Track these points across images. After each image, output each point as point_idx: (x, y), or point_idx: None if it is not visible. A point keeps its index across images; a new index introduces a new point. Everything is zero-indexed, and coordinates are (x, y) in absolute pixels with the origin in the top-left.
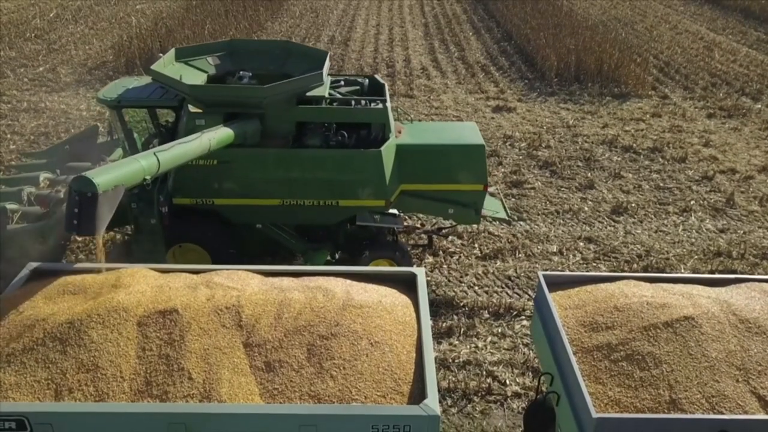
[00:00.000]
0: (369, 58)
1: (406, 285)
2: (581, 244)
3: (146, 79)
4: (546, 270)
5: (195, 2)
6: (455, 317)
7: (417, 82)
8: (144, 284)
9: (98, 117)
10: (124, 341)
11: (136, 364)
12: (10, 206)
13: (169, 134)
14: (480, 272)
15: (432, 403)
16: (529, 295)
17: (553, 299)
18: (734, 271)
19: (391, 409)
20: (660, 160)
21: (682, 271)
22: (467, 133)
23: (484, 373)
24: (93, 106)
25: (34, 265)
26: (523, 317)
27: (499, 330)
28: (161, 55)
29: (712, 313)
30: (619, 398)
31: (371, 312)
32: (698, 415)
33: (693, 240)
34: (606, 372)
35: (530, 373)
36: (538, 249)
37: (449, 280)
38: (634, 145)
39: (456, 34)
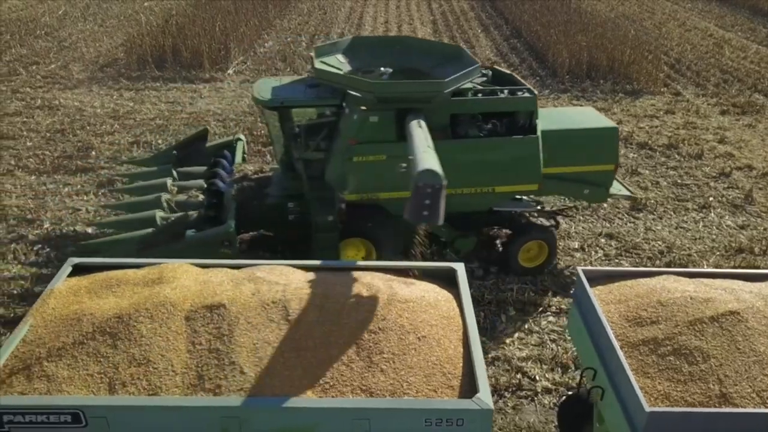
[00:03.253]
0: None
1: (445, 280)
2: (602, 240)
3: (287, 79)
4: (582, 266)
5: (203, 0)
6: (481, 313)
7: None
8: (187, 279)
9: (113, 114)
10: (173, 335)
11: (187, 359)
12: (160, 214)
13: (305, 134)
14: (502, 270)
15: (485, 396)
16: (553, 291)
17: (595, 294)
18: (757, 267)
19: (445, 403)
20: (676, 156)
21: (705, 267)
22: (594, 116)
23: (514, 369)
24: (107, 103)
25: (75, 260)
26: (549, 313)
27: (526, 326)
28: (311, 54)
29: (756, 307)
30: (668, 392)
31: (416, 307)
32: (751, 410)
33: (714, 236)
34: (654, 366)
35: (559, 369)
36: (559, 245)
37: (473, 277)
38: (649, 141)
39: (465, 31)
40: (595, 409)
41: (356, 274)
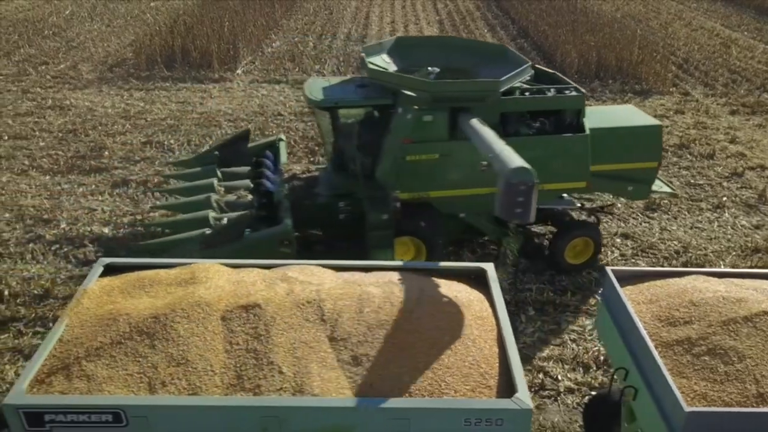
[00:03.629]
0: None
1: (475, 280)
2: (618, 240)
3: (334, 79)
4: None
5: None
6: None
7: None
8: (220, 279)
9: (124, 114)
10: (210, 335)
11: (225, 358)
12: (212, 214)
13: (358, 134)
14: (521, 269)
15: (524, 396)
16: (572, 290)
17: (627, 294)
18: None
19: (484, 403)
20: (688, 156)
21: (722, 267)
22: (637, 114)
23: (535, 368)
24: (117, 103)
25: (106, 260)
26: (568, 313)
27: (546, 326)
28: (363, 54)
29: None
30: (705, 392)
31: (450, 307)
32: None
33: (729, 236)
34: (689, 366)
35: (581, 369)
36: None
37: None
38: None
39: (471, 30)
40: (623, 409)
41: (388, 274)
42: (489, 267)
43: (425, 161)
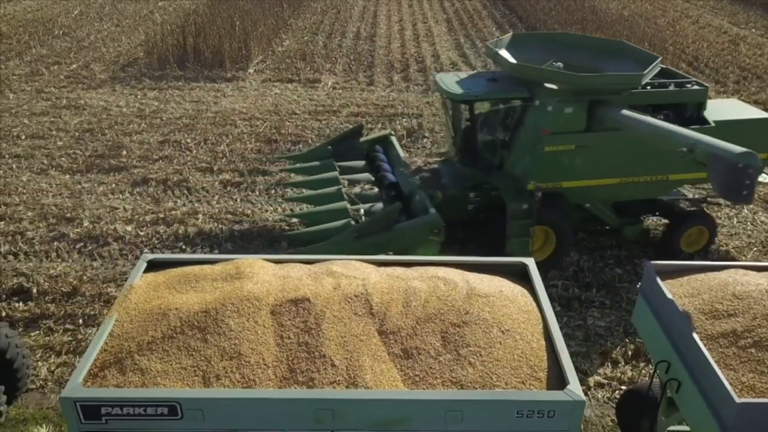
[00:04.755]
0: (397, 53)
1: (517, 275)
2: None
3: (462, 74)
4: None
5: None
6: None
7: None
8: (266, 274)
9: (139, 113)
10: (261, 329)
11: (277, 352)
12: (349, 206)
13: (494, 126)
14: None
15: (576, 388)
16: (596, 287)
17: (668, 288)
18: None
19: (537, 395)
20: None
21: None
22: (746, 107)
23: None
24: (132, 102)
25: (150, 256)
26: (594, 308)
27: (572, 322)
28: (497, 50)
29: None
30: (753, 384)
31: (496, 301)
32: None
33: (749, 232)
34: (735, 358)
35: (609, 364)
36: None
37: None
38: None
39: (480, 29)
40: (662, 402)
41: (431, 269)
42: (530, 262)
43: (561, 152)
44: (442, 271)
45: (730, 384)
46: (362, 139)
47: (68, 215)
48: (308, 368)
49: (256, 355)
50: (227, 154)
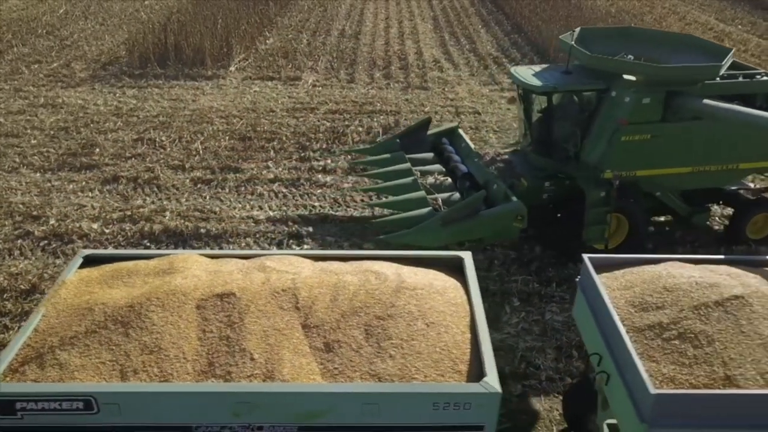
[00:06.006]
0: (381, 51)
1: (453, 269)
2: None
3: (536, 67)
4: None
5: None
6: (485, 304)
7: (431, 75)
8: (198, 269)
9: (116, 111)
10: (184, 323)
11: (198, 346)
12: (430, 196)
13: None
14: (507, 261)
15: (492, 380)
16: (557, 282)
17: (602, 281)
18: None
19: (453, 387)
20: None
21: None
22: None
23: (519, 358)
24: (110, 101)
25: (86, 252)
26: (553, 303)
27: (530, 316)
28: (570, 43)
29: (762, 292)
30: (673, 375)
31: (424, 294)
32: (756, 391)
33: None
34: (659, 350)
35: (563, 358)
36: None
37: (478, 269)
38: None
39: (465, 26)
40: (599, 395)
41: (366, 263)
42: (466, 255)
43: (637, 141)
44: (377, 265)
45: (651, 375)
46: (429, 132)
47: (35, 213)
48: (227, 362)
49: (176, 349)
50: (200, 152)
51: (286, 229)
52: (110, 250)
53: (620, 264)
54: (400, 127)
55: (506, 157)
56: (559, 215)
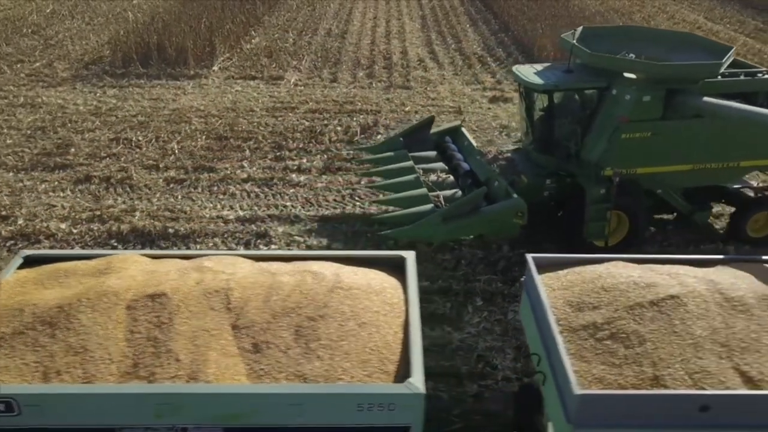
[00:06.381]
0: (366, 50)
1: (396, 268)
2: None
3: (538, 66)
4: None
5: None
6: (448, 304)
7: (414, 74)
8: (135, 269)
9: (95, 111)
10: (113, 324)
11: (125, 347)
12: (432, 193)
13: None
14: (474, 261)
15: (417, 381)
16: (522, 282)
17: (542, 281)
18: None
19: (376, 388)
20: None
21: None
22: None
23: (477, 358)
24: (90, 101)
25: (26, 252)
26: (516, 303)
27: (492, 316)
28: (571, 41)
29: (698, 292)
30: (602, 375)
31: (359, 294)
32: (680, 391)
33: None
34: (591, 350)
35: (522, 358)
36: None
37: (444, 269)
38: None
39: (453, 26)
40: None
41: (305, 263)
42: (409, 255)
43: (637, 139)
44: (317, 266)
45: (581, 376)
46: (432, 131)
47: (3, 213)
48: (152, 363)
49: (102, 350)
50: (176, 152)
51: (255, 228)
52: (50, 251)
53: (565, 264)
54: (378, 126)
55: (508, 155)
56: (560, 214)
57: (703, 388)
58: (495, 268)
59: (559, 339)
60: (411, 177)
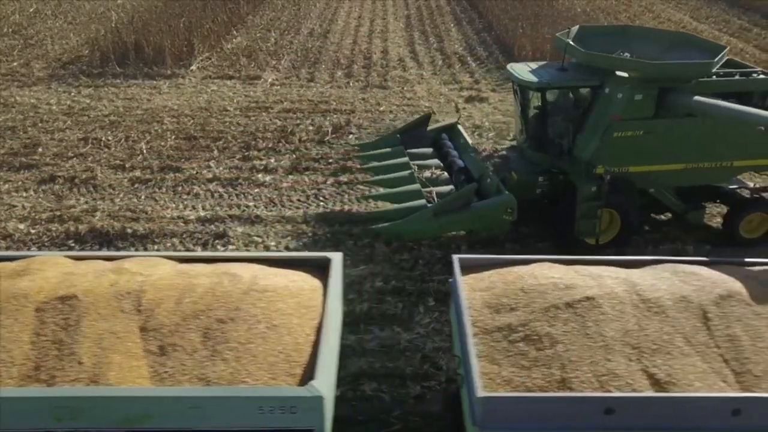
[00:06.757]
0: (347, 50)
1: (324, 270)
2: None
3: (533, 64)
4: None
5: None
6: (400, 304)
7: (392, 74)
8: (52, 271)
9: (67, 111)
10: (19, 327)
11: (29, 350)
12: (425, 189)
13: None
14: (431, 261)
15: (319, 383)
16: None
17: (467, 282)
18: None
19: (277, 391)
20: None
21: None
22: None
23: (423, 358)
24: (63, 100)
25: None
26: None
27: (443, 317)
28: (566, 40)
29: (615, 293)
30: (511, 378)
31: (274, 296)
32: (583, 394)
33: None
34: (503, 353)
35: None
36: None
37: (401, 269)
38: None
39: (437, 25)
40: None
41: (228, 265)
42: (335, 256)
43: (629, 137)
44: (237, 267)
45: (490, 378)
46: (429, 128)
47: None
48: (54, 366)
49: (5, 353)
50: (144, 152)
51: (214, 229)
52: None
53: (493, 265)
54: (351, 126)
55: (504, 152)
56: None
57: (609, 391)
58: (452, 268)
59: (470, 341)
60: (405, 173)
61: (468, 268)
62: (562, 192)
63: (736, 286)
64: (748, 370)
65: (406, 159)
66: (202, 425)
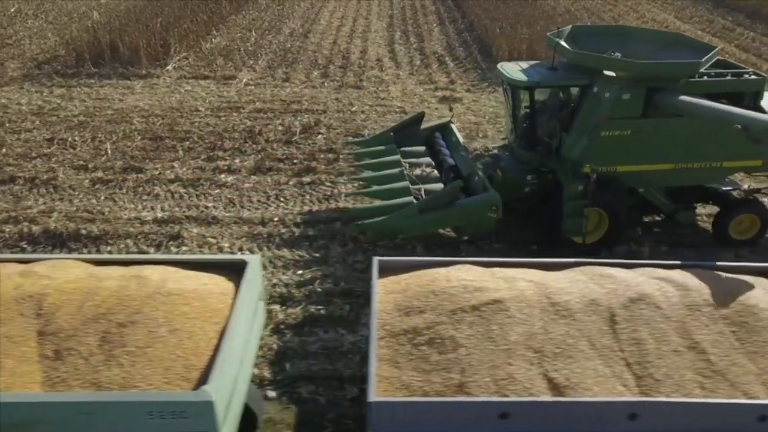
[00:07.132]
0: (326, 50)
1: (239, 273)
2: None
3: (524, 64)
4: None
5: None
6: (347, 306)
7: (368, 74)
8: None
9: (37, 111)
10: None
11: None
12: (413, 186)
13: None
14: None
15: (211, 388)
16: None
17: (383, 284)
18: None
19: (167, 395)
20: None
21: None
22: None
23: (362, 361)
24: (34, 100)
25: None
26: None
27: None
28: (560, 41)
29: (525, 296)
30: (410, 382)
31: (179, 300)
32: (476, 398)
33: None
34: (405, 356)
35: None
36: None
37: (354, 270)
38: None
39: (420, 25)
40: None
41: (140, 267)
42: (252, 260)
43: (617, 137)
44: (147, 270)
45: (389, 382)
46: (423, 127)
47: None
48: None
49: None
50: (109, 152)
51: (169, 230)
52: None
53: (413, 267)
54: (320, 126)
55: (495, 151)
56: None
57: (506, 395)
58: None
59: (373, 344)
60: (395, 170)
61: (388, 270)
62: (550, 191)
63: (648, 288)
64: (649, 373)
65: (397, 157)
66: (91, 430)
